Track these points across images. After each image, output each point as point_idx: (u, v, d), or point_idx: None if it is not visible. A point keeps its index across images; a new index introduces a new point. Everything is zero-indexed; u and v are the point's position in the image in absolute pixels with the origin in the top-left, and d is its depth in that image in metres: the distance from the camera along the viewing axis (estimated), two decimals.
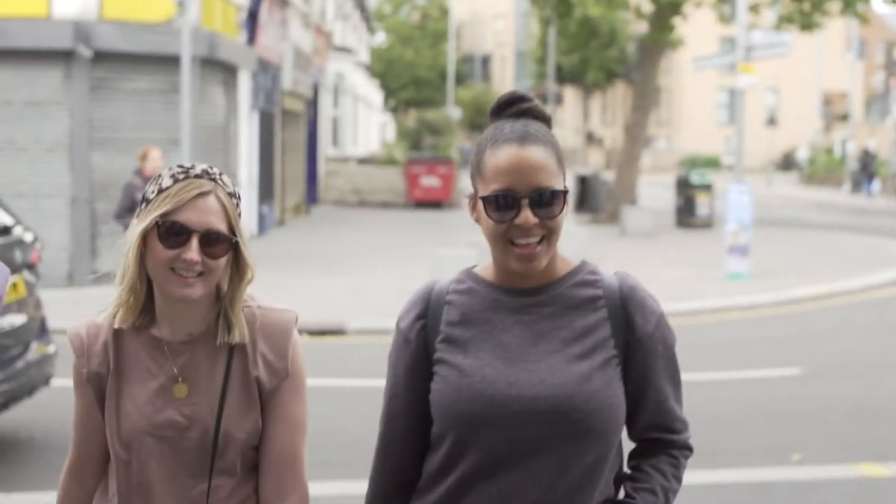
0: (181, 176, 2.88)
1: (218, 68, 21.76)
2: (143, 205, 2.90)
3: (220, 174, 2.92)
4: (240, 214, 2.94)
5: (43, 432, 8.98)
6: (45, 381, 8.77)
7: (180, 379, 2.96)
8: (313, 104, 36.67)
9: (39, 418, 9.17)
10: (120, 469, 2.97)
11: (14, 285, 8.42)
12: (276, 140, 29.12)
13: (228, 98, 23.06)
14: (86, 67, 18.62)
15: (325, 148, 39.58)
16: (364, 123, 51.51)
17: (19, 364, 8.41)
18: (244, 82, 24.51)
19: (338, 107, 43.35)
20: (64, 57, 18.53)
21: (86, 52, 18.44)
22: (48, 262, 14.14)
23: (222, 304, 2.97)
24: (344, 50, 43.60)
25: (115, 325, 2.96)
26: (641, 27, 40.49)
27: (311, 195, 35.96)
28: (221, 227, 2.88)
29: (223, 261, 2.89)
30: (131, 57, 19.06)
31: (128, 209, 13.24)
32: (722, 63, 24.29)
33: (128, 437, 2.95)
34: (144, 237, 2.87)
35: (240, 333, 2.95)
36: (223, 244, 2.89)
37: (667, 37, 31.47)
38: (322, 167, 38.18)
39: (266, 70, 26.74)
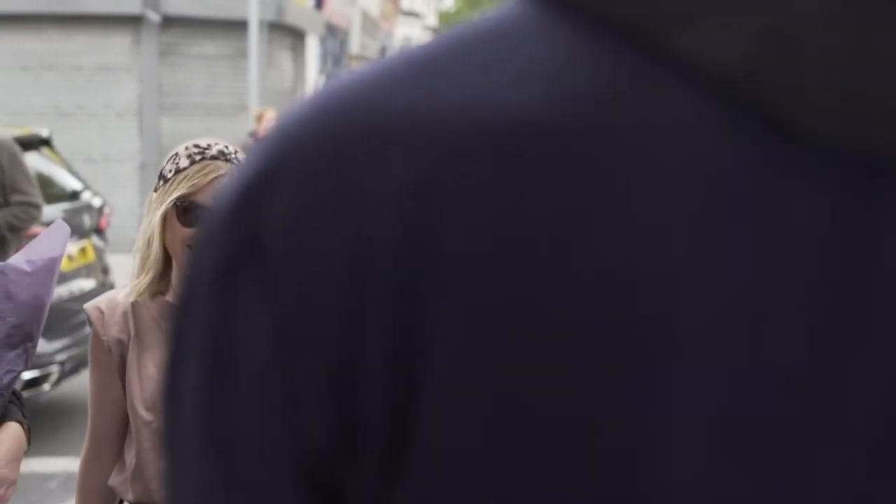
0: (198, 157, 2.93)
1: (286, 33, 21.76)
2: (161, 182, 2.97)
3: (236, 153, 2.96)
4: None
5: None
6: None
7: None
8: None
9: None
10: (142, 432, 3.01)
11: (83, 250, 8.45)
12: None
13: (296, 63, 23.07)
14: (154, 32, 18.67)
15: None
16: None
17: (88, 329, 8.44)
18: (312, 47, 24.51)
19: None
20: (133, 22, 18.59)
21: (154, 16, 18.48)
22: (117, 227, 14.21)
23: None
24: (412, 14, 43.55)
25: (131, 300, 3.02)
26: None
27: None
28: None
29: None
30: (199, 22, 19.09)
31: None
32: None
33: (153, 397, 3.00)
34: (164, 215, 2.94)
35: None
36: None
37: None
38: None
39: (334, 35, 26.74)
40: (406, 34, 42.11)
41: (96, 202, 9.10)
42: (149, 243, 2.95)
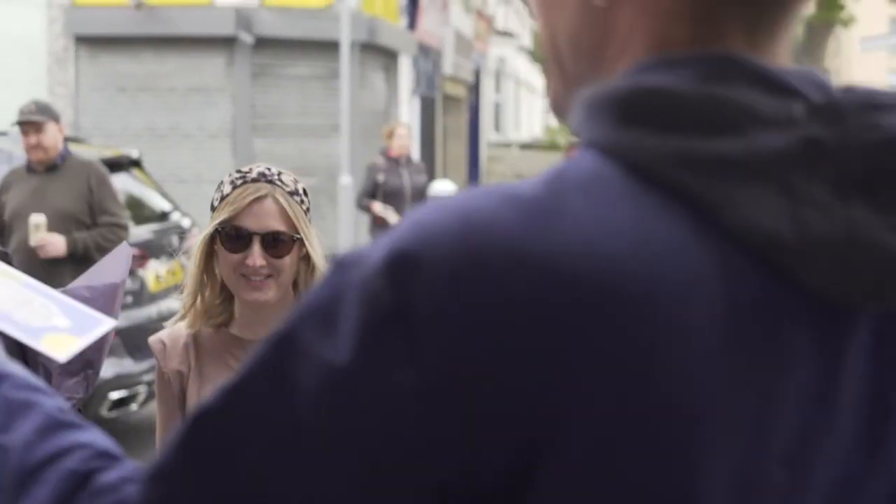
0: (239, 182, 2.96)
1: (378, 53, 21.81)
2: (212, 212, 3.00)
3: (279, 174, 2.98)
4: (307, 210, 3.00)
5: None
6: None
7: None
8: (475, 89, 36.65)
9: None
10: None
11: (172, 271, 8.49)
12: (437, 125, 29.15)
13: (389, 83, 23.12)
14: (247, 54, 18.79)
15: (487, 133, 39.56)
16: (526, 108, 51.44)
17: None
18: (405, 67, 24.55)
19: (500, 92, 43.30)
20: (226, 43, 18.73)
21: (247, 38, 18.61)
22: None
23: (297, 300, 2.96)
24: (506, 34, 43.48)
25: (187, 329, 3.04)
26: (808, 9, 39.82)
27: (474, 180, 35.96)
28: (281, 227, 2.94)
29: (288, 259, 2.95)
30: (292, 43, 19.19)
31: (369, 193, 11.86)
32: (892, 44, 23.63)
33: None
34: (213, 245, 2.97)
35: None
36: (285, 244, 2.95)
37: (836, 15, 30.78)
38: (484, 152, 38.17)
39: (427, 55, 26.76)
40: (500, 54, 42.05)
41: (186, 223, 9.14)
42: (191, 262, 3.00)
